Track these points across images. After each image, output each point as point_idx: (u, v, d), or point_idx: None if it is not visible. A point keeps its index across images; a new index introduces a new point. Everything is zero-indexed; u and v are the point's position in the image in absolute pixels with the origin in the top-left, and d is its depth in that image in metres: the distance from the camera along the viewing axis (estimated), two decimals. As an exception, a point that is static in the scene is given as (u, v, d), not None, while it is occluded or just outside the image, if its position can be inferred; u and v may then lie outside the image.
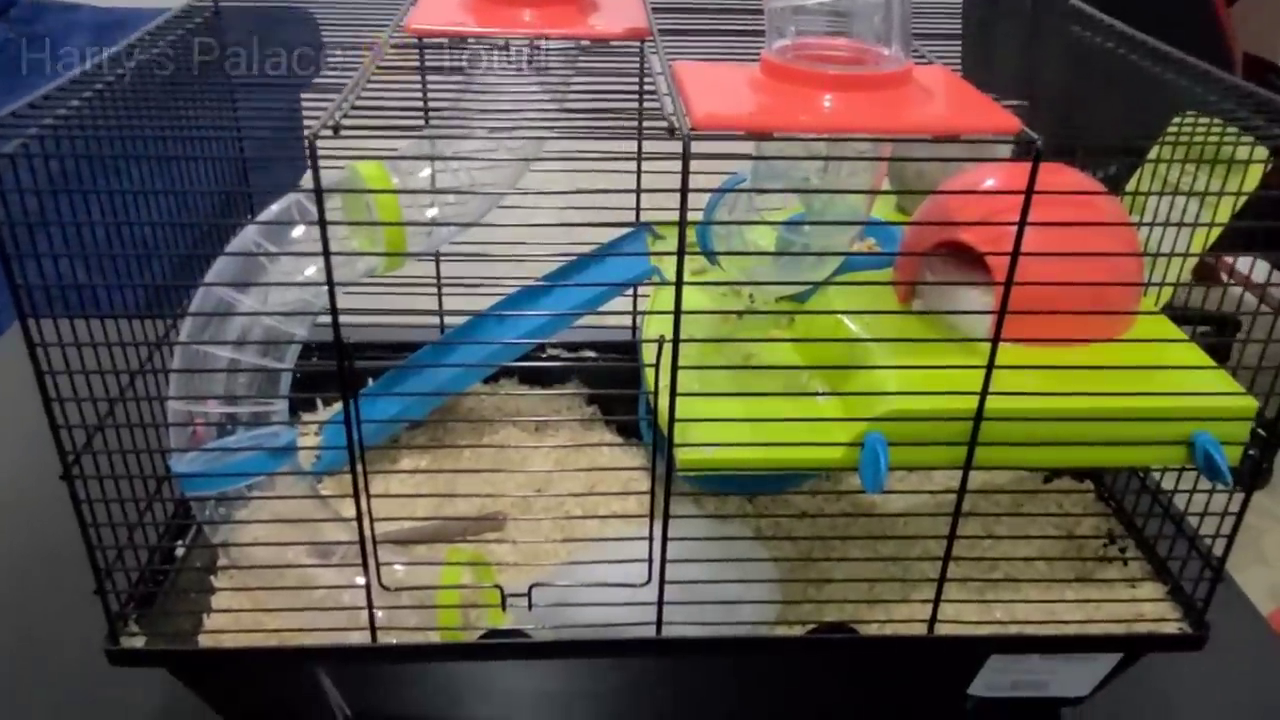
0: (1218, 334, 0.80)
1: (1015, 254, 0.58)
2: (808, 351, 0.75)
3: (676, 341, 0.60)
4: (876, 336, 0.70)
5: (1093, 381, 0.65)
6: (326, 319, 0.60)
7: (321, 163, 0.54)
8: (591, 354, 1.04)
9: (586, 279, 0.92)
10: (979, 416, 0.63)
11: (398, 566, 0.77)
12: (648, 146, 0.57)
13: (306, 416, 1.02)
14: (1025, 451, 0.66)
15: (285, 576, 0.75)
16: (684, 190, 0.55)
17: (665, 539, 0.66)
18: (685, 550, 0.67)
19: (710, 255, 0.80)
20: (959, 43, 0.89)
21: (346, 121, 0.54)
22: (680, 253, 0.57)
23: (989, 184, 0.74)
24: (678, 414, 0.66)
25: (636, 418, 0.94)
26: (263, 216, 0.76)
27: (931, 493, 0.92)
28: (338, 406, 1.03)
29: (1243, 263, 1.61)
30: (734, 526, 0.83)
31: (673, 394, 0.61)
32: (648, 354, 0.76)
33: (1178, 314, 0.77)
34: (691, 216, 0.75)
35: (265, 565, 0.74)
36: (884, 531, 0.87)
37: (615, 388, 1.00)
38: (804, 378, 0.73)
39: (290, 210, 0.77)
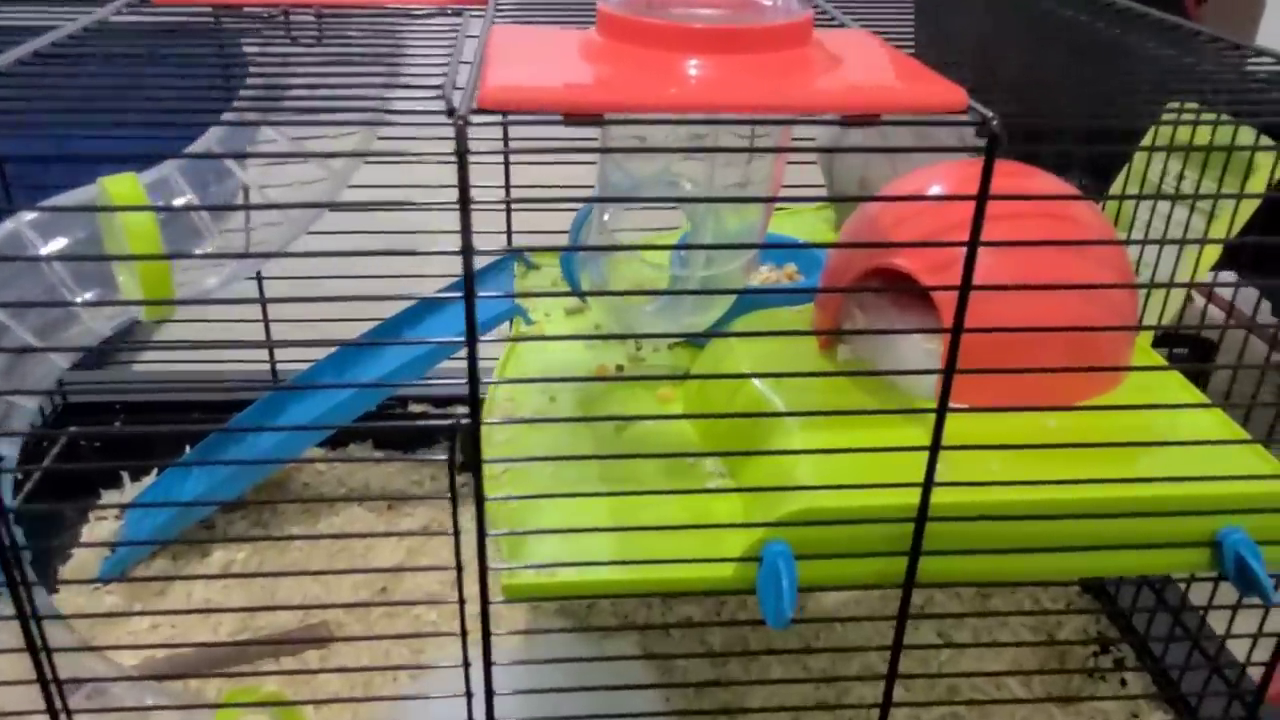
0: (1194, 358, 0.64)
1: (965, 287, 0.40)
2: (704, 425, 0.56)
3: (476, 424, 0.41)
4: (788, 406, 0.51)
5: (1079, 462, 0.47)
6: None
7: None
8: (463, 409, 0.85)
9: (424, 329, 0.73)
10: (922, 516, 0.44)
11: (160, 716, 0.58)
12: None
13: (108, 496, 0.82)
14: (987, 562, 0.47)
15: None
16: (463, 198, 0.36)
17: (488, 668, 0.47)
18: (535, 678, 0.48)
19: (581, 294, 0.61)
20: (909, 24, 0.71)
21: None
22: (468, 295, 0.38)
23: (935, 190, 0.56)
24: (507, 522, 0.48)
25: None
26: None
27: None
28: (148, 481, 0.83)
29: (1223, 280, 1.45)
30: (610, 643, 0.64)
31: (479, 504, 0.42)
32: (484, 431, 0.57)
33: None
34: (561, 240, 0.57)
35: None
36: (815, 638, 0.68)
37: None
38: (697, 463, 0.54)
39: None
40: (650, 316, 0.55)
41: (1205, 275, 0.64)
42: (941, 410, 0.42)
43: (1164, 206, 0.68)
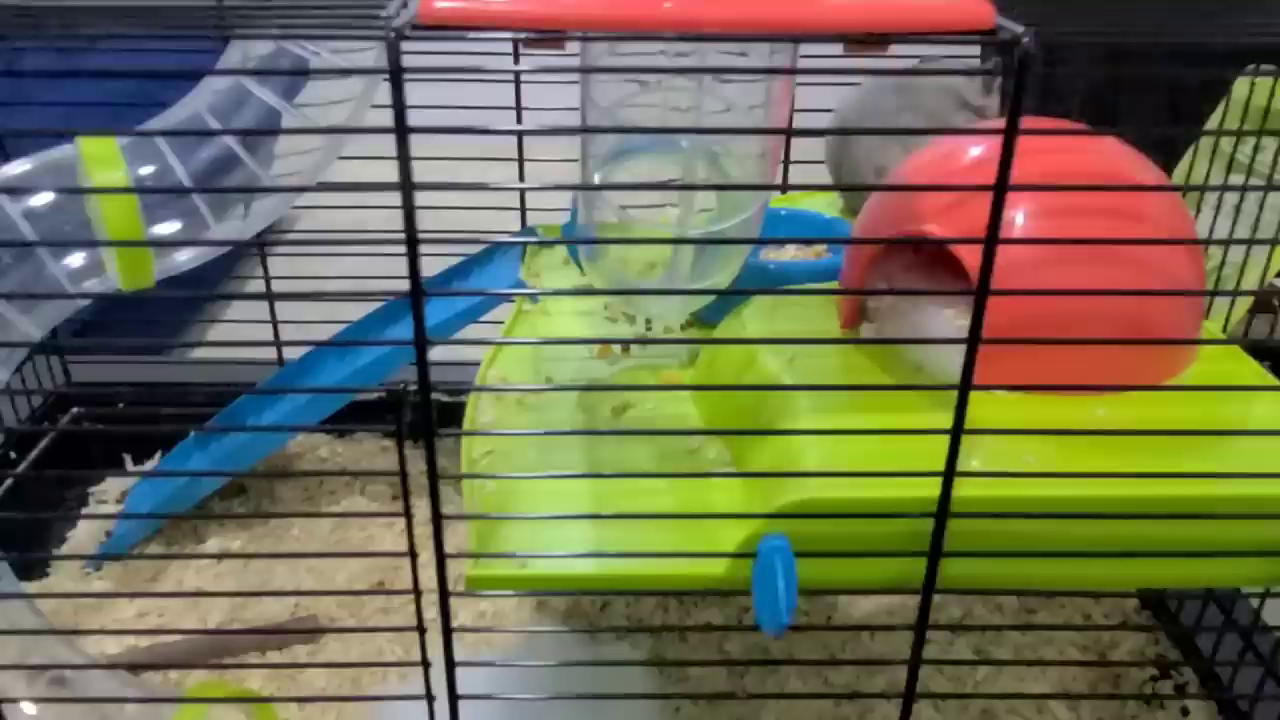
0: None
1: (992, 240, 0.34)
2: (709, 404, 0.51)
3: (426, 395, 0.36)
4: (801, 381, 0.46)
5: (1127, 454, 0.41)
6: None
7: None
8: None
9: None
10: (943, 512, 0.39)
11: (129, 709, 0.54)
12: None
13: (113, 481, 0.79)
14: (1019, 566, 0.41)
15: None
16: (400, 126, 0.31)
17: (450, 668, 0.42)
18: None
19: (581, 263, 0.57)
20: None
21: None
22: (413, 257, 0.33)
23: (975, 154, 0.50)
24: (483, 509, 0.43)
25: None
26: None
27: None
28: (150, 465, 0.80)
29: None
30: (612, 648, 0.59)
31: (432, 484, 0.38)
32: (469, 411, 0.52)
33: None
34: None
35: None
36: (841, 649, 0.62)
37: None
38: (698, 450, 0.49)
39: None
40: (656, 286, 0.50)
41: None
42: (965, 387, 0.36)
43: (1236, 183, 0.61)
